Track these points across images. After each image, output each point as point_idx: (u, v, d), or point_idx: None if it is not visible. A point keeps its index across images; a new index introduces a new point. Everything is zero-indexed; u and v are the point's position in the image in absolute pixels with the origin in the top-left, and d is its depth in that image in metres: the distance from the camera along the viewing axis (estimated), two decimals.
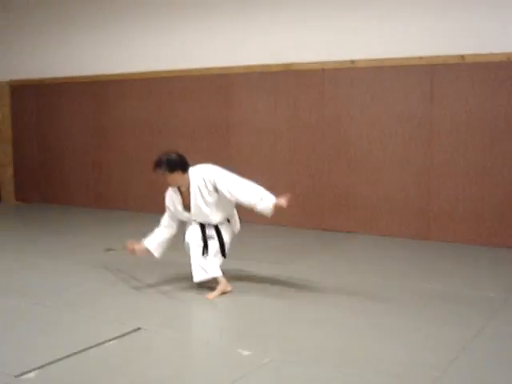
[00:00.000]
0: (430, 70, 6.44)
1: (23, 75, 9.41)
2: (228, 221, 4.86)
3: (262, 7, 7.37)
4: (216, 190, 4.55)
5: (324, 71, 7.03)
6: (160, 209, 4.90)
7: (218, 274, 4.65)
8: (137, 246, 4.72)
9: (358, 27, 6.80)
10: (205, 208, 4.61)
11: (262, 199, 4.54)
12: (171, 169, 4.51)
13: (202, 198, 4.59)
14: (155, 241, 4.72)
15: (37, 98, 9.37)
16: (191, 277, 4.66)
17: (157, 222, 4.82)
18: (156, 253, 4.73)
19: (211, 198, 4.59)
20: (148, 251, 4.72)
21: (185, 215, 4.71)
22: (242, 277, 5.16)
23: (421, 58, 6.44)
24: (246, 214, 7.57)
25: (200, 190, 4.58)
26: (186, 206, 4.68)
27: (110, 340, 3.73)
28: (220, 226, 4.75)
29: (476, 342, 3.71)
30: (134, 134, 8.48)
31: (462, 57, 6.27)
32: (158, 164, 4.54)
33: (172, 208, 4.72)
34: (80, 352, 3.55)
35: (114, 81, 8.58)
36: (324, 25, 7.00)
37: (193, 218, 4.69)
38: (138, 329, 3.92)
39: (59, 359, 3.44)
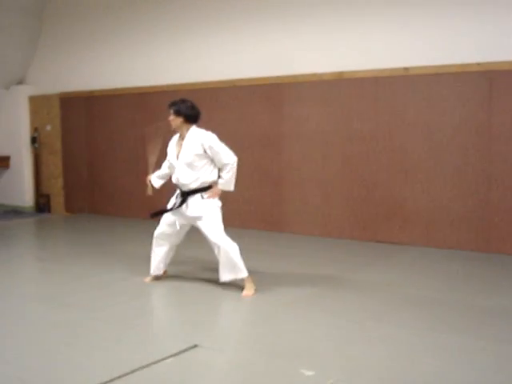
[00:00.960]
0: (488, 77, 6.22)
1: (73, 87, 9.48)
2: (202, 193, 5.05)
3: (313, 16, 7.26)
4: (205, 153, 4.92)
5: (377, 79, 6.87)
6: None
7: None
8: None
9: (412, 34, 6.64)
10: (189, 162, 4.94)
11: (226, 183, 5.02)
12: (177, 112, 4.99)
13: (191, 154, 4.94)
14: (156, 175, 5.39)
15: (86, 110, 9.43)
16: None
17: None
18: (156, 184, 5.38)
19: (197, 159, 4.93)
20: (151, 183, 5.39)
21: (173, 161, 5.06)
22: (296, 292, 5.02)
23: (478, 64, 6.23)
24: (301, 227, 7.47)
25: (192, 147, 4.94)
26: (177, 156, 5.06)
27: (166, 358, 3.63)
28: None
29: None
30: None
31: None
32: (173, 103, 5.04)
33: (169, 152, 5.14)
34: (137, 370, 3.45)
35: (164, 91, 8.55)
36: (376, 32, 6.86)
37: (176, 168, 5.02)
38: (195, 346, 3.81)
39: (117, 377, 3.36)
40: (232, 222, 7.74)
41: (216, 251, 4.90)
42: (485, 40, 6.22)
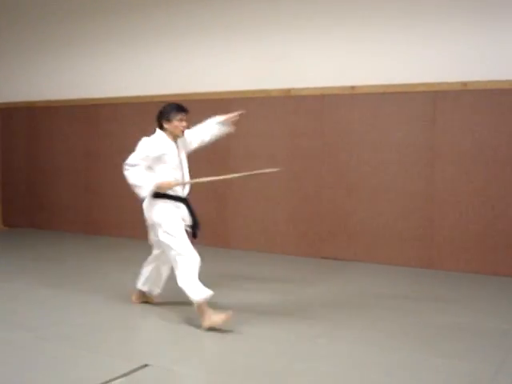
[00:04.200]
0: (432, 97, 6.38)
1: (13, 98, 9.24)
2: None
3: (261, 33, 7.30)
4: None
5: (324, 97, 6.95)
6: None
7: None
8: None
9: (359, 53, 6.75)
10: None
11: (217, 123, 4.97)
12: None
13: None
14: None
15: (27, 122, 9.20)
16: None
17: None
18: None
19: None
20: None
21: (178, 166, 4.75)
22: (245, 308, 4.99)
23: (424, 84, 6.38)
24: (246, 243, 7.45)
25: (185, 150, 4.88)
26: (181, 160, 4.83)
27: (116, 378, 3.54)
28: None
29: (499, 378, 3.57)
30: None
31: (465, 84, 6.22)
32: (186, 108, 4.73)
33: (171, 156, 4.70)
34: None
35: (106, 104, 8.44)
36: (324, 50, 6.94)
37: (184, 173, 4.77)
38: (146, 365, 3.73)
39: None
40: None
41: None
42: (430, 60, 6.38)
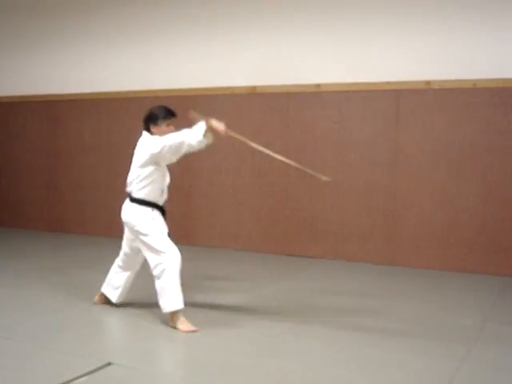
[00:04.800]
0: (396, 96, 6.44)
1: None
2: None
3: (226, 29, 7.28)
4: None
5: (289, 95, 6.96)
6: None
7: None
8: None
9: (324, 51, 6.77)
10: None
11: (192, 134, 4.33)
12: None
13: None
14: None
15: None
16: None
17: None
18: None
19: None
20: None
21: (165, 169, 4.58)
22: (209, 306, 4.97)
23: (387, 83, 6.44)
24: (212, 240, 7.43)
25: None
26: None
27: (79, 376, 3.49)
28: None
29: (461, 373, 3.62)
30: (90, 156, 8.24)
31: (428, 82, 6.29)
32: (175, 113, 4.55)
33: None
34: None
35: (68, 100, 8.33)
36: (289, 48, 6.95)
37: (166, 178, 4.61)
38: (109, 364, 3.69)
39: None
40: None
41: None
42: (394, 59, 6.44)
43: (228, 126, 7.30)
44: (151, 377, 3.59)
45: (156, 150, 4.34)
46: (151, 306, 4.72)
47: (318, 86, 6.79)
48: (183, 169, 7.56)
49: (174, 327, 4.32)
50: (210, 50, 7.39)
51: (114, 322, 4.66)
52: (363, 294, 5.42)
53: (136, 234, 4.49)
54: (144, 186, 4.47)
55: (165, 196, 4.62)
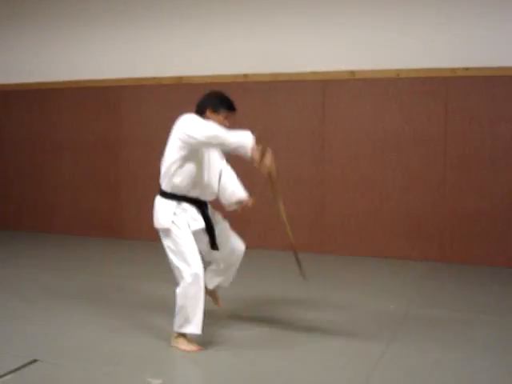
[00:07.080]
0: (321, 86, 6.52)
1: None
2: None
3: (154, 21, 7.19)
4: None
5: (215, 85, 6.91)
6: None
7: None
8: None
9: (250, 42, 6.78)
10: None
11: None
12: None
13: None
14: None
15: None
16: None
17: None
18: None
19: None
20: None
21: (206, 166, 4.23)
22: (135, 298, 4.92)
23: (313, 72, 6.50)
24: (140, 233, 7.31)
25: None
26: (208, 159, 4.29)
27: (4, 375, 3.39)
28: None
29: (387, 356, 3.71)
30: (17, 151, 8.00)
31: (353, 72, 6.39)
32: (236, 109, 4.22)
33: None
34: None
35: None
36: (216, 39, 6.93)
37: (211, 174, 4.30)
38: (35, 361, 3.60)
39: None
40: (71, 229, 7.46)
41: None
42: (320, 50, 6.51)
43: (155, 116, 7.25)
44: (77, 373, 3.52)
45: (201, 131, 3.86)
46: (80, 300, 4.62)
47: (245, 75, 6.79)
48: (109, 161, 7.44)
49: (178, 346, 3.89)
50: (139, 42, 7.28)
51: (40, 317, 4.53)
52: (287, 283, 5.45)
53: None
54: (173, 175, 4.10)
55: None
